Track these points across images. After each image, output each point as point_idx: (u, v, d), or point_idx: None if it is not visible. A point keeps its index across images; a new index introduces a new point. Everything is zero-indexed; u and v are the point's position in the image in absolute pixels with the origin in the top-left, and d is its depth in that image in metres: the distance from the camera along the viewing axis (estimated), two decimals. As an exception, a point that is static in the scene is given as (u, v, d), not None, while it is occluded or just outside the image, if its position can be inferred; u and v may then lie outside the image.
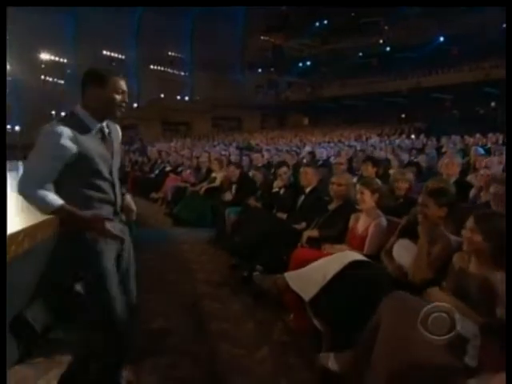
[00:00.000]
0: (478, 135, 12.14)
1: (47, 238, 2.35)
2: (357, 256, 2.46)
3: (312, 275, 2.46)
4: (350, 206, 3.31)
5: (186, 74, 34.75)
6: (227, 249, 4.41)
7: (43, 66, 28.08)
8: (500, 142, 10.46)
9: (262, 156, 8.76)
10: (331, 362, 2.13)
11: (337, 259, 2.43)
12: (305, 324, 2.55)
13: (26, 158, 1.74)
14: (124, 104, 1.79)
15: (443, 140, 11.81)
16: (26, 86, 26.32)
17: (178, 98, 32.67)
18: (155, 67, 33.03)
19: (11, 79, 23.06)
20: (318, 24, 32.15)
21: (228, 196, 5.74)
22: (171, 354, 2.43)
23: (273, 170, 6.26)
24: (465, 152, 7.90)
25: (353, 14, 29.61)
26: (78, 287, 1.89)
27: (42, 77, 28.39)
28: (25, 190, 1.67)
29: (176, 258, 4.61)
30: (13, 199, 2.60)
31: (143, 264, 3.37)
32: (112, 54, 31.48)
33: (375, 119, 25.02)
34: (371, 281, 2.24)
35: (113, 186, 1.83)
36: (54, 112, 24.70)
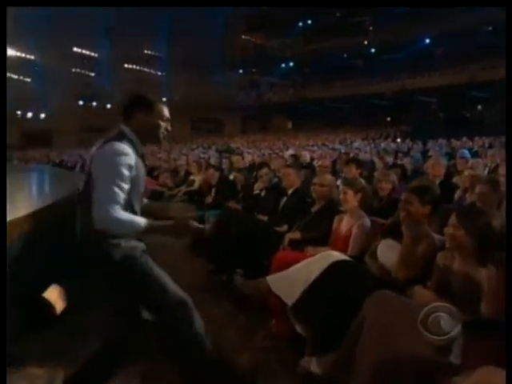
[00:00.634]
0: (464, 138, 12.56)
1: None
2: (340, 256, 2.50)
3: (295, 277, 2.48)
4: (332, 208, 3.34)
5: (164, 73, 34.60)
6: (205, 254, 4.39)
7: (7, 62, 27.46)
8: (486, 145, 10.82)
9: (243, 158, 8.80)
10: (313, 365, 2.16)
11: (320, 259, 2.46)
12: (287, 329, 2.57)
13: (97, 179, 1.72)
14: (166, 132, 1.91)
15: (429, 143, 12.14)
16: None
17: (155, 98, 32.48)
18: (130, 66, 32.80)
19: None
20: (301, 24, 32.49)
21: (208, 199, 5.74)
22: (150, 360, 2.41)
23: (254, 173, 6.29)
24: (451, 155, 8.13)
25: (338, 15, 30.06)
26: (146, 314, 1.88)
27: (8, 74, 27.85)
28: (112, 215, 1.64)
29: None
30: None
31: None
32: (83, 52, 31.11)
33: (360, 122, 25.45)
34: (355, 280, 2.28)
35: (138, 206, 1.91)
36: (19, 112, 24.15)
